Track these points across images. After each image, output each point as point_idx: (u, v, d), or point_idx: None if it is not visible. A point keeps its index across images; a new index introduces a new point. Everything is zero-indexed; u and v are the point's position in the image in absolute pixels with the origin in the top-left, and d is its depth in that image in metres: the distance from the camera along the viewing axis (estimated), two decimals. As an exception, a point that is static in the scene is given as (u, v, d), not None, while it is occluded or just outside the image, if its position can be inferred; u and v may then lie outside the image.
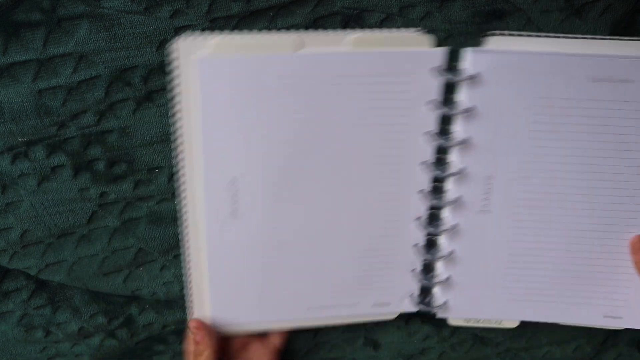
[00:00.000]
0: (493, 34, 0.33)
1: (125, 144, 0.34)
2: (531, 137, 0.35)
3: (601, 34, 0.33)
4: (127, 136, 0.34)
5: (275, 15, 0.33)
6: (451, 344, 0.41)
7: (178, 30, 0.32)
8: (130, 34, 0.32)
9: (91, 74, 0.33)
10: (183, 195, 0.34)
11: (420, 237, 0.38)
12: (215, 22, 0.33)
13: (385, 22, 0.34)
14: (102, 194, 0.35)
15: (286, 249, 0.37)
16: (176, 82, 0.32)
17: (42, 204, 0.35)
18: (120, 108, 0.33)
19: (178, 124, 0.33)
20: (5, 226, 0.35)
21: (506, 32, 0.33)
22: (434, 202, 0.37)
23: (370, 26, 0.34)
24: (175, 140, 0.33)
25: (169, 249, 0.37)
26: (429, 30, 0.33)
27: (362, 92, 0.34)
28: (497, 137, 0.35)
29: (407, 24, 0.34)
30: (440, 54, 0.33)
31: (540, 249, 0.38)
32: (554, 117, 0.34)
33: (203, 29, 0.33)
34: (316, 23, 0.34)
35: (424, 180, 0.37)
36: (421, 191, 0.37)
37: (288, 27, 0.34)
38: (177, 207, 0.36)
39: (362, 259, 0.38)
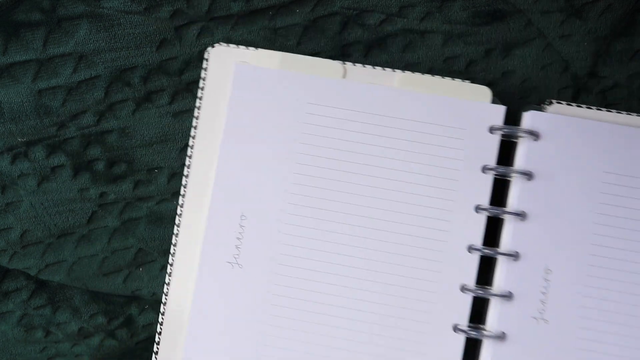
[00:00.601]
0: (551, 103, 0.31)
1: (124, 144, 0.34)
2: (598, 221, 0.30)
3: (601, 34, 0.33)
4: (127, 136, 0.34)
5: (274, 15, 0.33)
6: None
7: (178, 30, 0.32)
8: (130, 34, 0.32)
9: (91, 74, 0.33)
10: (179, 221, 0.32)
11: (457, 347, 0.31)
12: (214, 21, 0.33)
13: (384, 22, 0.34)
14: (101, 194, 0.35)
15: (294, 313, 0.31)
16: (203, 87, 0.30)
17: (42, 204, 0.35)
18: (119, 108, 0.33)
19: (192, 140, 0.31)
20: (5, 226, 0.36)
21: (564, 102, 0.31)
22: (481, 294, 0.30)
23: (370, 27, 0.34)
24: (187, 163, 0.32)
25: (169, 249, 0.37)
26: (486, 83, 0.31)
27: (406, 139, 0.30)
28: (556, 217, 0.30)
29: (408, 24, 0.34)
30: (502, 110, 0.30)
31: None
32: (620, 197, 0.30)
33: (202, 29, 0.33)
34: (315, 23, 0.34)
35: (470, 268, 0.30)
36: (464, 286, 0.30)
37: (287, 27, 0.34)
38: (174, 232, 0.35)
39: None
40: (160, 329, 0.34)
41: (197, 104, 0.32)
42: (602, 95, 0.34)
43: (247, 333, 0.32)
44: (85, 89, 0.33)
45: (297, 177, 0.31)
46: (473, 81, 0.33)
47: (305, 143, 0.31)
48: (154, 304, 0.39)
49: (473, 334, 0.30)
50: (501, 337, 0.30)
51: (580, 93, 0.34)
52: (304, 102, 0.30)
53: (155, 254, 0.37)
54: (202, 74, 0.32)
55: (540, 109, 0.31)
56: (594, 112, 0.31)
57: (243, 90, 0.30)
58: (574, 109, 0.31)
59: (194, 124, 0.32)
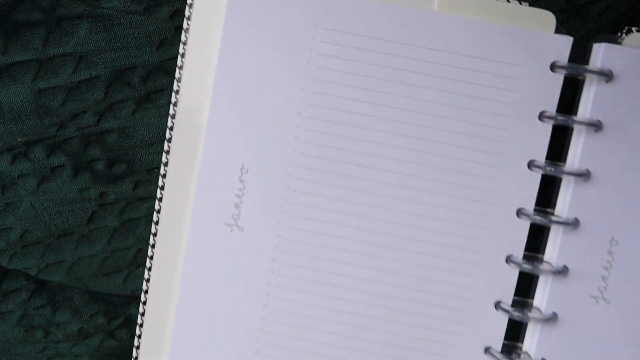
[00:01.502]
0: (630, 31, 0.25)
1: (124, 144, 0.34)
2: None
3: (601, 34, 0.33)
4: (127, 136, 0.34)
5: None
6: None
7: (178, 30, 0.32)
8: (130, 34, 0.32)
9: (91, 74, 0.33)
10: (163, 184, 0.28)
11: (499, 332, 0.26)
12: (215, 22, 0.33)
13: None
14: (101, 194, 0.35)
15: (303, 284, 0.26)
16: (187, 29, 0.26)
17: (41, 204, 0.35)
18: (119, 108, 0.33)
19: (176, 96, 0.27)
20: (5, 226, 0.36)
21: None
22: (529, 268, 0.26)
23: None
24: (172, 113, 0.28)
25: (169, 249, 0.37)
26: (548, 7, 0.25)
27: (446, 76, 0.24)
28: (628, 179, 0.24)
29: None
30: (568, 43, 0.24)
31: None
32: None
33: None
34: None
35: (519, 237, 0.25)
36: (509, 257, 0.26)
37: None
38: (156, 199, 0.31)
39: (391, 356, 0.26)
40: (140, 330, 0.31)
41: (181, 50, 0.27)
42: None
43: (248, 306, 0.27)
44: (85, 89, 0.33)
45: (309, 122, 0.25)
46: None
47: (318, 79, 0.25)
48: (154, 304, 0.39)
49: (517, 314, 0.26)
50: (552, 319, 0.26)
51: (580, 93, 0.34)
52: (317, 27, 0.24)
53: (155, 254, 0.37)
54: (185, 24, 0.27)
55: (616, 41, 0.25)
56: None
57: (239, 18, 0.25)
58: None
59: (177, 75, 0.28)
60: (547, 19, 0.25)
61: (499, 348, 0.27)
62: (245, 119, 0.26)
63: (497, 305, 0.26)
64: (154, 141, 0.34)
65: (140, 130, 0.34)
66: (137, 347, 0.30)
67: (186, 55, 0.26)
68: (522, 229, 0.26)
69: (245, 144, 0.26)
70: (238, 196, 0.26)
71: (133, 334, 0.39)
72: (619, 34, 0.26)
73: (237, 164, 0.26)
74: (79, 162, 0.34)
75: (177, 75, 0.29)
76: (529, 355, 0.26)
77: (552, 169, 0.25)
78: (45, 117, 0.33)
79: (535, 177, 0.25)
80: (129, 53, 0.32)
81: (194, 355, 0.28)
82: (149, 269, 0.29)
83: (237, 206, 0.26)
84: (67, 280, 0.38)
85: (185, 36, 0.26)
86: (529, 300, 0.27)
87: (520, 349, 0.27)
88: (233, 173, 0.26)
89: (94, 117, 0.34)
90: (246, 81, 0.25)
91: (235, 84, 0.25)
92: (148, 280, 0.30)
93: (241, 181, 0.26)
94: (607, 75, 0.24)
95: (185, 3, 0.32)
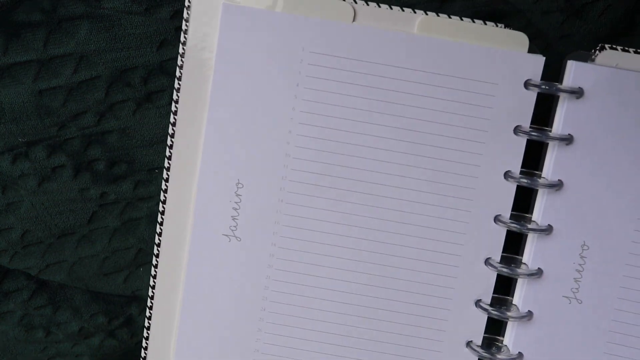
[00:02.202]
0: (603, 48, 0.27)
1: (125, 144, 0.34)
2: None
3: (601, 34, 0.33)
4: (127, 137, 0.34)
5: None
6: None
7: (178, 31, 0.32)
8: (130, 34, 0.32)
9: (91, 74, 0.33)
10: (164, 199, 0.30)
11: (479, 327, 0.28)
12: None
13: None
14: (102, 195, 0.35)
15: (298, 289, 0.28)
16: (185, 42, 0.27)
17: (42, 204, 0.35)
18: (120, 109, 0.33)
19: (175, 105, 0.28)
20: (6, 226, 0.36)
21: (619, 47, 0.27)
22: (507, 272, 0.27)
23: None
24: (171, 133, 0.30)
25: (169, 249, 0.37)
26: (520, 29, 0.26)
27: (426, 95, 0.26)
28: (597, 188, 0.26)
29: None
30: (540, 62, 0.26)
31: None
32: None
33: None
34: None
35: (496, 242, 0.27)
36: (488, 260, 0.28)
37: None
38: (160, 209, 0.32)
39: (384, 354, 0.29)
40: (148, 333, 0.32)
41: (179, 62, 0.28)
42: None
43: (247, 309, 0.29)
44: (86, 89, 0.33)
45: (299, 140, 0.27)
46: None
47: (307, 100, 0.26)
48: (154, 304, 0.39)
49: (495, 313, 0.28)
50: (527, 316, 0.28)
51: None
52: (305, 50, 0.26)
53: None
54: (184, 25, 0.28)
55: (589, 58, 0.26)
56: None
57: (232, 38, 0.26)
58: (631, 55, 0.26)
59: (175, 85, 0.29)
60: (521, 39, 0.26)
61: (480, 342, 0.29)
62: (239, 137, 0.27)
63: (477, 303, 0.28)
64: (155, 141, 0.34)
65: (140, 131, 0.34)
66: (145, 348, 0.31)
67: (183, 70, 0.28)
68: (500, 234, 0.27)
69: (240, 161, 0.27)
70: (235, 209, 0.28)
71: (133, 334, 0.39)
72: (593, 50, 0.27)
73: (233, 179, 0.27)
74: (80, 162, 0.34)
75: (175, 85, 0.29)
76: (508, 349, 0.28)
77: (526, 180, 0.27)
78: (46, 117, 0.33)
79: (511, 187, 0.27)
80: (130, 53, 0.32)
81: (198, 355, 0.30)
82: (154, 277, 0.31)
83: (234, 218, 0.28)
84: (68, 280, 0.38)
85: (184, 37, 0.28)
86: (509, 299, 0.29)
87: (501, 342, 0.29)
88: (229, 188, 0.28)
89: (95, 117, 0.34)
90: (239, 102, 0.27)
91: (229, 104, 0.27)
92: (154, 287, 0.31)
93: (237, 195, 0.28)
94: (577, 93, 0.26)
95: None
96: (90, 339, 0.39)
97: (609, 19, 0.33)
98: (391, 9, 0.27)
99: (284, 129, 0.27)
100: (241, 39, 0.26)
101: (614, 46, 0.27)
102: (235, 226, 0.28)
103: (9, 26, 0.31)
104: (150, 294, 0.32)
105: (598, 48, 0.27)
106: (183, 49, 0.28)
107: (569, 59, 0.27)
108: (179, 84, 0.29)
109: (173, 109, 0.29)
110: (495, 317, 0.28)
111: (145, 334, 0.33)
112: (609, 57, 0.26)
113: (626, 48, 0.27)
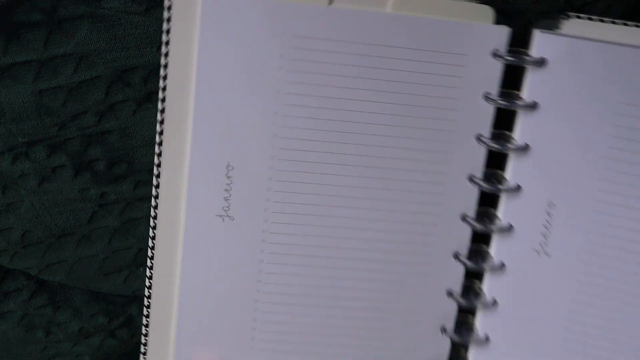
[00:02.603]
0: (568, 16, 0.28)
1: (125, 144, 0.34)
2: (609, 156, 0.28)
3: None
4: (127, 137, 0.34)
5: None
6: None
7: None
8: (130, 34, 0.32)
9: (91, 74, 0.33)
10: (157, 192, 0.30)
11: (457, 279, 0.31)
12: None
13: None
14: (102, 195, 0.35)
15: (292, 268, 0.30)
16: (169, 29, 0.27)
17: (42, 204, 0.35)
18: (120, 109, 0.34)
19: (164, 92, 0.28)
20: (6, 226, 0.36)
21: (585, 16, 0.28)
22: (480, 227, 0.30)
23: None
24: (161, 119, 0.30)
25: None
26: (487, 2, 0.27)
27: (401, 69, 0.28)
28: (563, 149, 0.28)
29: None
30: (505, 32, 0.27)
31: (605, 308, 0.30)
32: (636, 130, 0.27)
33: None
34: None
35: (470, 200, 0.30)
36: (464, 215, 0.30)
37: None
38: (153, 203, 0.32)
39: (373, 309, 0.31)
40: (146, 330, 0.32)
41: (163, 50, 0.29)
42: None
43: (245, 284, 0.31)
44: (86, 89, 0.33)
45: (285, 120, 0.28)
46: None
47: (290, 82, 0.28)
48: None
49: (470, 264, 0.30)
50: (500, 267, 0.30)
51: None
52: (286, 34, 0.27)
53: (155, 254, 0.37)
54: (166, 14, 0.28)
55: (554, 26, 0.28)
56: (619, 28, 0.28)
57: (214, 24, 0.27)
58: (595, 24, 0.27)
59: (162, 73, 0.29)
60: (487, 12, 0.28)
61: (459, 291, 0.31)
62: (227, 122, 0.28)
63: (456, 255, 0.31)
64: (155, 141, 0.34)
65: (140, 131, 0.34)
66: (145, 335, 0.32)
67: (170, 55, 0.29)
68: (473, 193, 0.30)
69: (229, 145, 0.29)
70: (226, 190, 0.29)
71: (133, 334, 0.39)
72: (558, 19, 0.29)
73: (223, 162, 0.29)
74: (80, 162, 0.34)
75: (161, 73, 0.29)
76: (485, 296, 0.31)
77: (495, 144, 0.29)
78: (46, 117, 0.33)
79: (483, 150, 0.29)
80: (130, 53, 0.33)
81: (197, 340, 0.31)
82: (151, 268, 0.32)
83: (226, 199, 0.29)
84: (68, 280, 0.38)
85: (167, 37, 0.29)
86: (486, 250, 0.31)
87: (480, 288, 0.32)
88: (220, 171, 0.29)
89: (95, 117, 0.34)
90: (225, 87, 0.28)
91: (215, 91, 0.28)
92: (150, 278, 0.32)
93: (228, 177, 0.29)
94: (540, 62, 0.27)
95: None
96: (90, 339, 0.39)
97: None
98: None
99: (270, 111, 0.28)
100: (223, 25, 0.27)
101: (580, 15, 0.29)
102: (227, 206, 0.29)
103: (9, 26, 0.31)
104: (146, 293, 0.32)
105: (562, 16, 0.29)
106: (165, 48, 0.29)
107: (536, 28, 0.28)
108: (163, 83, 0.29)
109: (159, 107, 0.29)
110: (471, 269, 0.31)
111: (144, 331, 0.33)
112: (576, 25, 0.28)
113: (591, 17, 0.29)
